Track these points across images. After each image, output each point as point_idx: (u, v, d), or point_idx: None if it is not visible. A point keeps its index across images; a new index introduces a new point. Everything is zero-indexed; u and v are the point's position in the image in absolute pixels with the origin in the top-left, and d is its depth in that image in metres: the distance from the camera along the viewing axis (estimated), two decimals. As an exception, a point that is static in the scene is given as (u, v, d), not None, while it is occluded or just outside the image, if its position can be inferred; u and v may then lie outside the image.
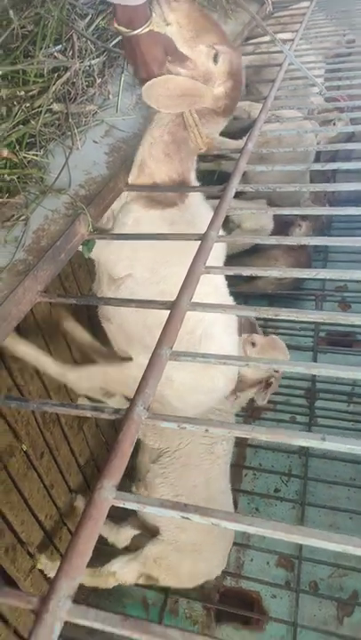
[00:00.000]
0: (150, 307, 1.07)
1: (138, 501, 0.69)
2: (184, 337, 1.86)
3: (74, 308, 2.57)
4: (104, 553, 2.49)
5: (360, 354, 3.69)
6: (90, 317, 2.64)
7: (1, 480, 2.11)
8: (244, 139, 1.67)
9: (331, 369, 0.83)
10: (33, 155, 1.40)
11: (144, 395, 0.84)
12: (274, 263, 4.14)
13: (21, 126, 1.35)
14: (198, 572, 2.43)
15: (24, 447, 2.25)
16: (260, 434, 0.74)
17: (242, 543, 2.84)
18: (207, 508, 0.68)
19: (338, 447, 0.72)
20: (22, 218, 1.30)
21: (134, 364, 1.96)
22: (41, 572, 2.41)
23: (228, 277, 1.91)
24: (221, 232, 1.30)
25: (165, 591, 2.67)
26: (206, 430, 0.79)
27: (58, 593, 0.59)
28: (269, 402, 3.50)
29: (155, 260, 1.61)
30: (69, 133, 1.63)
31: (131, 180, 1.62)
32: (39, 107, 1.43)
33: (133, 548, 2.51)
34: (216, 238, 1.26)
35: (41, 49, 1.50)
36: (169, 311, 1.01)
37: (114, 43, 1.94)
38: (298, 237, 1.14)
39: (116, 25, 1.34)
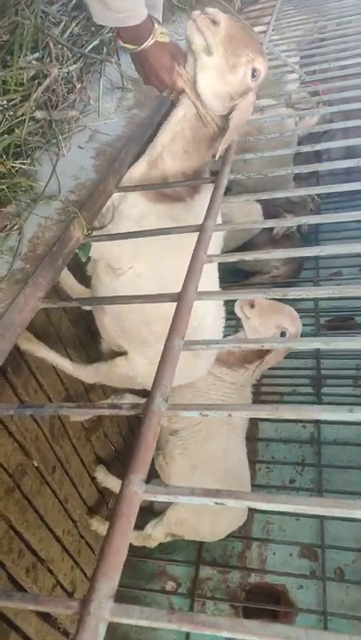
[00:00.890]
0: (157, 301, 1.06)
1: (168, 492, 0.68)
2: None
3: (70, 316, 2.56)
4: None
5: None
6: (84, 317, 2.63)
7: (15, 500, 2.08)
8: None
9: (344, 342, 0.82)
10: (20, 164, 1.39)
11: (161, 387, 0.82)
12: (267, 260, 4.14)
13: (6, 136, 1.34)
14: (219, 528, 2.61)
15: (35, 463, 2.23)
16: (284, 412, 0.73)
17: (262, 538, 2.82)
18: (240, 492, 0.66)
19: (366, 417, 0.71)
20: (16, 227, 1.29)
21: (126, 361, 1.98)
22: (62, 587, 2.38)
23: (223, 278, 1.91)
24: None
25: (191, 595, 2.65)
26: (230, 415, 0.77)
27: (98, 593, 0.57)
28: (275, 393, 3.50)
29: (158, 254, 1.60)
30: (54, 141, 1.62)
31: (139, 172, 1.60)
32: (22, 115, 1.42)
33: (159, 510, 2.71)
34: (214, 228, 1.26)
35: (19, 57, 1.49)
36: (175, 303, 1.00)
37: (89, 48, 1.94)
38: (296, 218, 1.14)
39: (121, 43, 1.37)
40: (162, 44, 1.39)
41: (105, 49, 2.05)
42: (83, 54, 1.88)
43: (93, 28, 1.99)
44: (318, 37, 2.55)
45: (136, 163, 1.67)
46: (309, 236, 4.39)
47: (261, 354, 2.33)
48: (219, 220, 1.41)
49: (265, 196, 1.40)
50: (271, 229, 3.91)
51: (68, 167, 1.61)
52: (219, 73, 1.39)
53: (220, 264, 1.92)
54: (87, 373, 2.15)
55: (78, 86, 1.80)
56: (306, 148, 1.56)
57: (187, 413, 0.80)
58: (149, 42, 1.36)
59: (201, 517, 2.54)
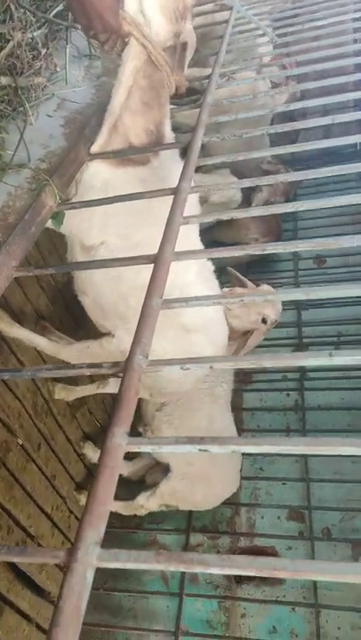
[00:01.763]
0: (133, 263, 1.05)
1: (152, 443, 0.68)
2: None
3: (48, 294, 2.53)
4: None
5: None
6: (65, 301, 2.60)
7: (1, 477, 2.08)
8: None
9: (324, 291, 0.83)
10: (-14, 131, 1.34)
11: (141, 344, 0.82)
12: (245, 232, 4.12)
13: (-30, 101, 1.29)
14: (213, 496, 2.68)
15: (19, 441, 2.22)
16: (266, 360, 0.73)
17: (250, 503, 2.88)
18: (223, 437, 0.67)
19: (346, 361, 0.71)
20: (-14, 196, 1.25)
21: (113, 338, 1.95)
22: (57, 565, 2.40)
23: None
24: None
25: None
26: (211, 367, 0.77)
27: (85, 541, 0.57)
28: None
29: (127, 225, 1.57)
30: (21, 109, 1.58)
31: (100, 143, 1.56)
32: (-14, 80, 1.37)
33: (151, 482, 2.77)
34: (189, 190, 1.24)
35: (-22, 20, 1.43)
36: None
37: (54, 13, 1.88)
38: (272, 177, 1.11)
39: None
40: None
41: (70, 15, 1.99)
42: (47, 19, 1.82)
43: (57, -8, 1.92)
44: (290, 6, 2.49)
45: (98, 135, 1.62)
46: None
47: (244, 334, 2.35)
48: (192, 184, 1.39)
49: (240, 157, 1.38)
50: (250, 203, 3.90)
51: (36, 136, 1.56)
52: None
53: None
54: (71, 352, 2.11)
55: (43, 52, 1.74)
56: (281, 108, 1.52)
57: (168, 369, 0.80)
58: None
59: (194, 487, 2.58)
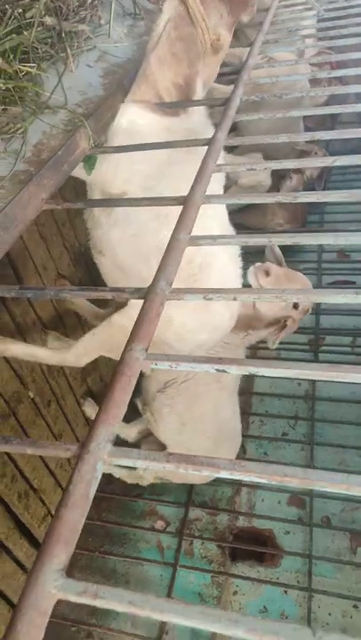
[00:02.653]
0: (163, 203, 1.04)
1: (170, 360, 0.67)
2: (182, 267, 1.74)
3: (71, 254, 2.54)
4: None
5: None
6: (87, 264, 2.60)
7: (10, 426, 2.10)
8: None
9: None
10: (28, 68, 1.34)
11: (166, 271, 0.81)
12: (271, 218, 4.09)
13: (14, 35, 1.29)
14: (206, 477, 2.62)
15: (31, 395, 2.24)
16: (290, 295, 0.72)
17: (252, 484, 2.87)
18: (241, 359, 0.66)
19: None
20: (20, 130, 1.25)
21: (128, 308, 1.80)
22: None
23: None
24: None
25: (180, 534, 2.70)
26: (234, 299, 0.76)
27: (97, 438, 0.57)
28: (272, 351, 3.50)
29: (152, 177, 1.54)
30: (62, 55, 1.57)
31: (133, 90, 1.55)
32: (31, 18, 1.37)
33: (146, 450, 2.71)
34: (224, 142, 1.23)
35: None
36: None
37: None
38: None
39: None
40: None
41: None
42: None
43: None
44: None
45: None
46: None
47: (270, 323, 2.22)
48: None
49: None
50: (278, 189, 3.85)
51: (75, 83, 1.56)
52: None
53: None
54: (78, 350, 1.93)
55: (89, 1, 1.73)
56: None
57: (190, 297, 0.79)
58: None
59: None
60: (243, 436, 2.73)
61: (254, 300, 0.79)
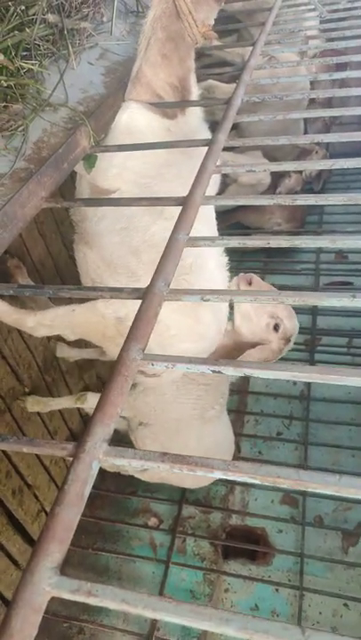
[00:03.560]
0: (162, 203, 1.04)
1: (167, 360, 0.68)
2: None
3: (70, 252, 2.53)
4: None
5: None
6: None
7: (5, 422, 2.11)
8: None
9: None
10: (30, 65, 1.34)
11: (164, 272, 0.82)
12: (269, 217, 4.09)
13: (17, 32, 1.29)
14: (199, 482, 2.60)
15: (27, 391, 2.24)
16: (286, 297, 0.72)
17: (246, 482, 2.88)
18: (238, 361, 0.67)
19: (369, 301, 0.70)
20: (21, 127, 1.25)
21: (116, 302, 1.69)
22: (46, 514, 2.43)
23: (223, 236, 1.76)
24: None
25: (173, 531, 2.71)
26: (231, 300, 0.77)
27: (93, 437, 0.58)
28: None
29: (148, 176, 1.54)
30: (64, 52, 1.57)
31: (126, 95, 1.55)
32: (34, 15, 1.37)
33: (133, 440, 2.58)
34: (224, 143, 1.23)
35: None
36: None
37: None
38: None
39: None
40: None
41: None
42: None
43: None
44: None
45: None
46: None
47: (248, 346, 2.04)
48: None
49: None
50: (275, 189, 3.86)
51: (76, 80, 1.56)
52: None
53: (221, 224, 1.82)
54: (44, 316, 1.77)
55: (92, -1, 1.73)
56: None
57: (188, 298, 0.80)
58: None
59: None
60: (237, 434, 2.73)
61: (251, 301, 0.79)
